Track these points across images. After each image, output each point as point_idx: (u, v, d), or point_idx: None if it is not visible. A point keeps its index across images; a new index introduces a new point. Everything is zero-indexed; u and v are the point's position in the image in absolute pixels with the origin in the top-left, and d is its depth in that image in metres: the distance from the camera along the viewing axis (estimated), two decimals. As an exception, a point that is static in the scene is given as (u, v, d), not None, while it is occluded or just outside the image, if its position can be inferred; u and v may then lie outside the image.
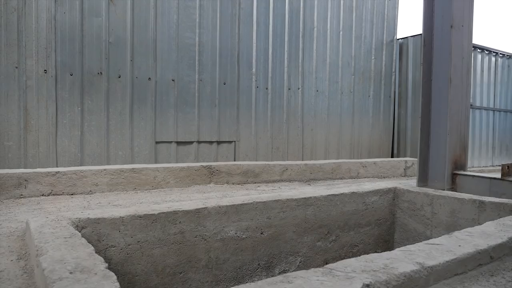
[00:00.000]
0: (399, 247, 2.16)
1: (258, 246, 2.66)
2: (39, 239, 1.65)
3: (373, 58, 7.22)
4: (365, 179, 5.10)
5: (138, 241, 2.20)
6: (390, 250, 1.64)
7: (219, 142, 5.60)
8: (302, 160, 6.36)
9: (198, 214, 2.41)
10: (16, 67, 4.27)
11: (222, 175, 4.22)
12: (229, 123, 5.66)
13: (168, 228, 2.30)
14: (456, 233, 1.82)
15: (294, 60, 6.25)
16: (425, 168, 3.51)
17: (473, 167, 7.28)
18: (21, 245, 1.91)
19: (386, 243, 3.36)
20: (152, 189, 3.75)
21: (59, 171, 3.37)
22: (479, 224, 2.54)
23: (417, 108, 7.16)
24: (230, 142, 5.70)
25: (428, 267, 1.39)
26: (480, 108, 7.44)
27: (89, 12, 4.60)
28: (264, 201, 2.68)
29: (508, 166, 3.18)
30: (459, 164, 3.48)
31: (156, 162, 5.07)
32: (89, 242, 1.68)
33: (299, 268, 2.85)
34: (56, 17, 4.44)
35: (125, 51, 4.84)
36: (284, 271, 2.78)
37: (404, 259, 1.43)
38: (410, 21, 20.63)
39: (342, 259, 2.84)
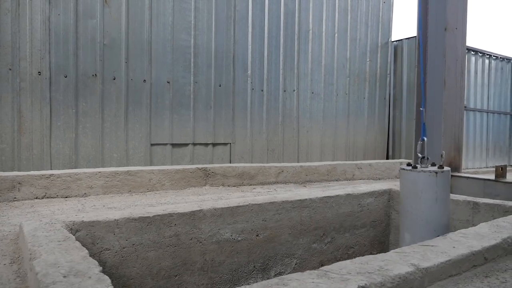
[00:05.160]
0: (394, 248, 2.17)
1: (253, 248, 2.65)
2: (32, 242, 1.63)
3: (368, 60, 7.26)
4: (361, 180, 5.11)
5: (133, 244, 2.19)
6: (385, 252, 1.65)
7: (214, 144, 5.59)
8: (298, 162, 6.36)
9: (193, 216, 2.41)
10: (10, 69, 4.25)
11: (217, 177, 4.21)
12: (224, 125, 5.66)
13: (163, 231, 2.29)
14: (450, 234, 1.83)
15: (289, 62, 6.26)
16: (419, 169, 3.52)
17: (467, 168, 7.32)
18: (14, 249, 1.89)
19: (381, 245, 3.37)
20: (147, 191, 3.74)
21: (53, 174, 3.35)
22: (473, 225, 2.55)
23: (412, 110, 7.20)
24: (225, 144, 5.70)
25: (423, 268, 1.40)
26: (474, 110, 7.49)
27: (83, 14, 4.58)
28: (260, 203, 2.68)
29: (501, 168, 3.20)
30: (454, 166, 3.50)
31: (151, 164, 5.05)
32: (83, 245, 1.67)
33: (294, 270, 2.84)
34: (50, 18, 4.41)
35: (120, 53, 4.83)
36: (280, 273, 2.78)
37: (399, 260, 1.44)
38: (404, 23, 20.77)
39: (337, 260, 2.85)
